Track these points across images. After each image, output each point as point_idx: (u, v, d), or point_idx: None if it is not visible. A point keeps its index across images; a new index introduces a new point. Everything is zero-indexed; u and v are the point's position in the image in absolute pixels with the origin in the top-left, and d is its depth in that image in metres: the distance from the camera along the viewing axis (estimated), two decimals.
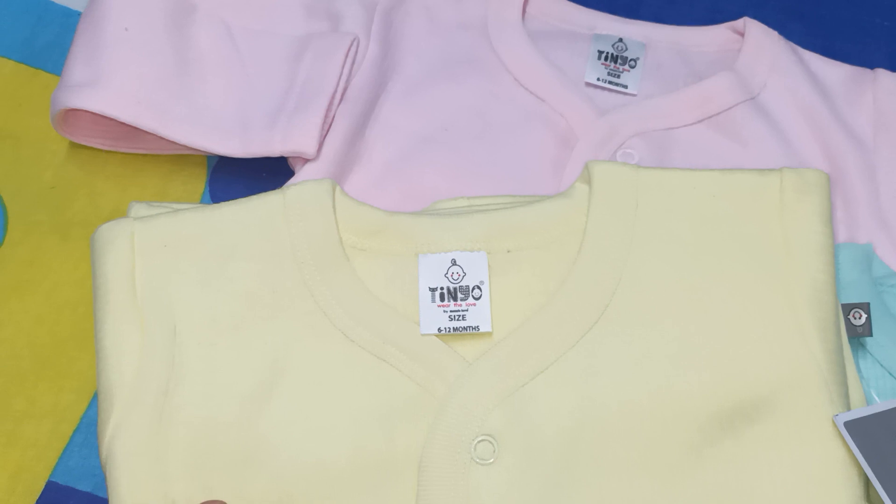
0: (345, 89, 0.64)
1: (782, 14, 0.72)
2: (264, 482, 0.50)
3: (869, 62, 0.69)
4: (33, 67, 0.69)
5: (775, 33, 0.68)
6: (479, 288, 0.53)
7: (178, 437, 0.50)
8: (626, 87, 0.67)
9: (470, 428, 0.51)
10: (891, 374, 0.57)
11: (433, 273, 0.53)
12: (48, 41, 0.69)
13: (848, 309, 0.56)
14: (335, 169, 0.62)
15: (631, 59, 0.68)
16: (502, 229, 0.54)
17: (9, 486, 0.58)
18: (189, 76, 0.63)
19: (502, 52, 0.68)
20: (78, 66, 0.62)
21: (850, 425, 0.50)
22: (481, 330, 0.52)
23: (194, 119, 0.62)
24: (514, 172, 0.64)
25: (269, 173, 0.65)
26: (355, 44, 0.65)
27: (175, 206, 0.56)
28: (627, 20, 0.70)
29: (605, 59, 0.68)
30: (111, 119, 0.62)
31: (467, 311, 0.53)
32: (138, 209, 0.55)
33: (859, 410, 0.51)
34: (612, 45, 0.68)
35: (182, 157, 0.66)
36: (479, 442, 0.51)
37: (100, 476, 0.58)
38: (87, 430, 0.59)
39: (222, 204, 0.55)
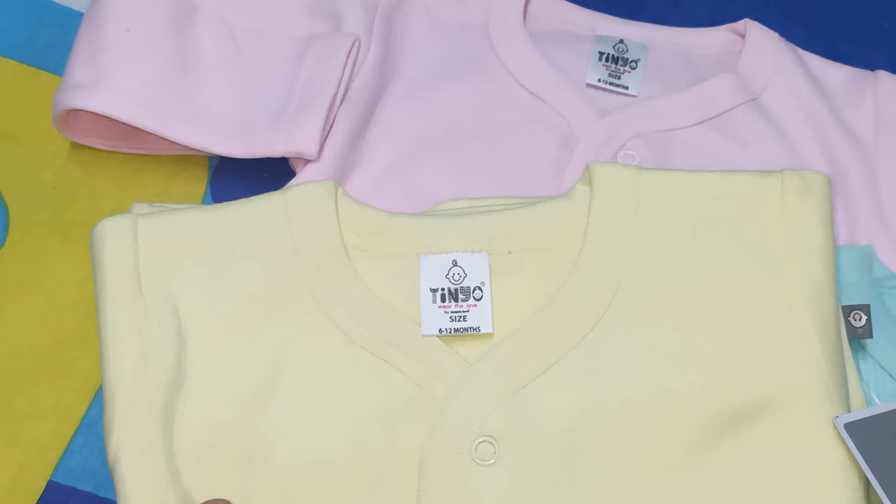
0: (346, 90, 0.64)
1: (784, 16, 0.72)
2: (265, 482, 0.50)
3: (870, 64, 0.69)
4: (35, 68, 0.69)
5: (776, 35, 0.69)
6: (479, 289, 0.53)
7: (182, 437, 0.50)
8: (626, 88, 0.67)
9: (471, 429, 0.51)
10: (891, 375, 0.57)
11: (434, 274, 0.53)
12: (50, 41, 0.69)
13: (848, 310, 0.56)
14: (336, 170, 0.62)
15: (632, 61, 0.68)
16: (503, 230, 0.54)
17: (10, 486, 0.58)
18: (191, 77, 0.63)
19: (503, 53, 0.68)
20: (80, 66, 0.62)
21: (850, 427, 0.50)
22: (482, 331, 0.52)
23: (196, 120, 0.62)
24: (514, 173, 0.64)
25: (270, 174, 0.65)
26: (356, 45, 0.65)
27: (177, 206, 0.56)
28: (628, 21, 0.70)
29: (606, 60, 0.68)
30: (112, 119, 0.62)
31: (468, 311, 0.53)
32: (140, 209, 0.55)
33: (859, 412, 0.51)
34: (613, 47, 0.68)
35: (183, 158, 0.66)
36: (480, 443, 0.51)
37: (101, 476, 0.58)
38: (88, 430, 0.59)
39: (224, 204, 0.55)
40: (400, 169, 0.64)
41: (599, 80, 0.68)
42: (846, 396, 0.52)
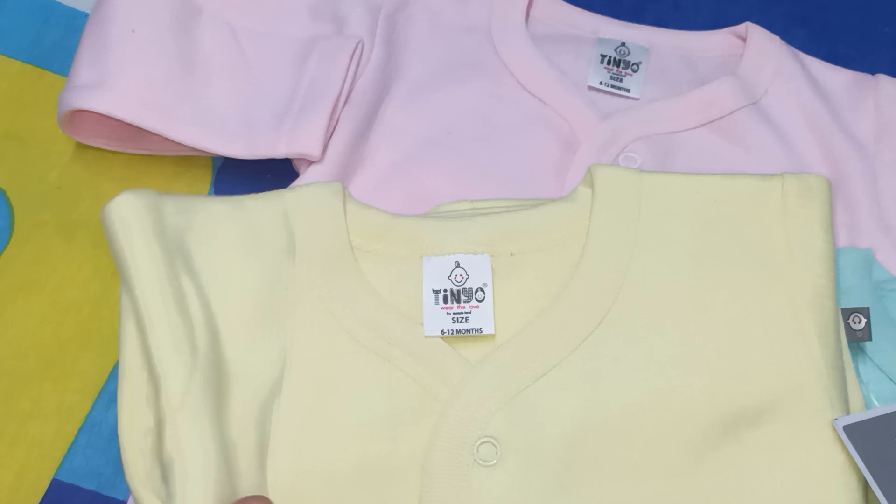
0: (349, 92, 0.64)
1: (786, 20, 0.73)
2: (270, 481, 0.50)
3: (872, 68, 0.69)
4: (40, 68, 0.69)
5: (777, 38, 0.69)
6: (482, 290, 0.53)
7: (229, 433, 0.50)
8: (628, 90, 0.68)
9: (473, 430, 0.51)
10: (890, 378, 0.57)
11: (437, 275, 0.53)
12: (55, 42, 0.70)
13: (848, 313, 0.56)
14: (339, 171, 0.62)
15: (634, 63, 0.68)
16: (506, 232, 0.54)
17: (14, 485, 0.58)
18: (194, 78, 0.63)
19: (506, 56, 0.68)
20: (84, 67, 0.62)
21: (849, 429, 0.50)
22: (484, 332, 0.53)
23: (199, 121, 0.62)
24: (516, 175, 0.64)
25: (273, 175, 0.65)
26: (360, 47, 0.65)
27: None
28: (631, 24, 0.70)
29: (608, 62, 0.68)
30: (117, 120, 0.62)
31: (470, 313, 0.53)
32: None
33: (858, 414, 0.51)
34: (615, 49, 0.68)
35: (187, 159, 0.66)
36: (482, 444, 0.51)
37: (104, 475, 0.58)
38: (91, 430, 0.59)
39: (236, 198, 0.54)
40: (402, 170, 0.64)
41: (601, 83, 0.68)
42: (845, 399, 0.52)
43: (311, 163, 0.62)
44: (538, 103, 0.66)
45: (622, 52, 0.68)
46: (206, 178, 0.67)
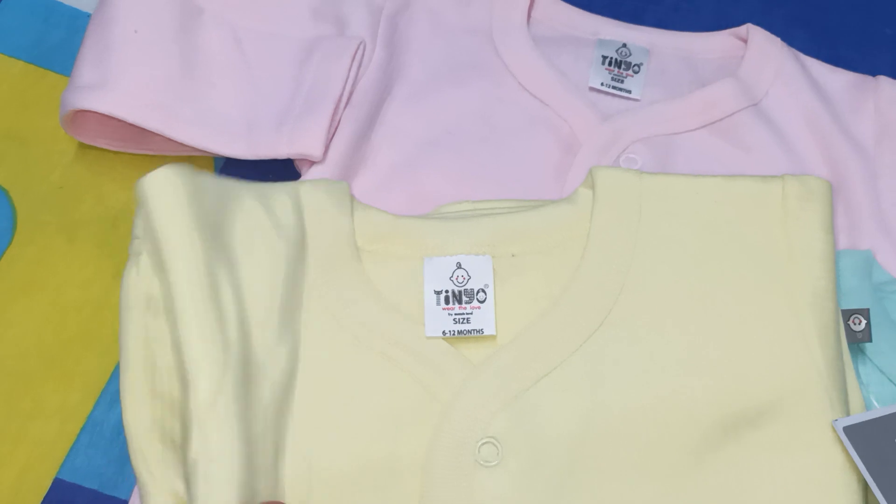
0: (351, 93, 0.64)
1: (787, 22, 0.73)
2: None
3: (873, 70, 0.69)
4: (42, 68, 0.69)
5: (778, 40, 0.69)
6: (483, 291, 0.53)
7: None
8: (629, 92, 0.68)
9: (474, 431, 0.51)
10: (890, 379, 0.58)
11: (438, 276, 0.53)
12: (57, 42, 0.70)
13: (848, 315, 0.56)
14: (340, 171, 0.62)
15: (634, 65, 0.68)
16: (507, 233, 0.54)
17: (16, 484, 0.58)
18: (196, 78, 0.63)
19: (507, 57, 0.68)
20: (87, 67, 0.62)
21: (849, 430, 0.51)
22: (485, 333, 0.53)
23: (201, 121, 0.62)
24: (517, 176, 0.64)
25: (275, 175, 0.65)
26: (361, 47, 0.65)
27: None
28: (632, 26, 0.70)
29: (609, 64, 0.68)
30: (119, 120, 0.62)
31: (472, 314, 0.53)
32: None
33: (859, 416, 0.51)
34: (616, 51, 0.69)
35: (189, 159, 0.66)
36: (483, 444, 0.51)
37: (106, 475, 0.58)
38: (93, 429, 0.59)
39: (258, 185, 0.53)
40: (403, 171, 0.64)
41: (602, 84, 0.68)
42: (846, 400, 0.52)
43: (312, 163, 0.62)
44: (539, 104, 0.67)
45: (623, 54, 0.68)
46: None
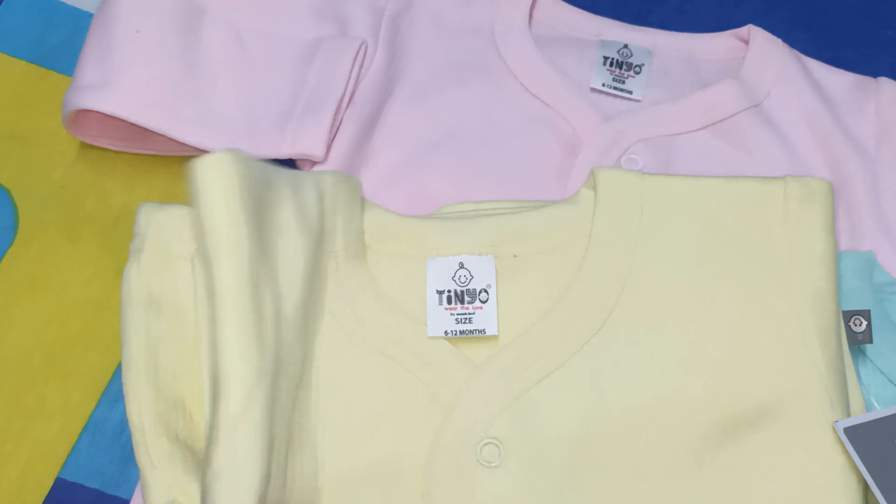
0: (353, 93, 0.64)
1: (789, 24, 0.73)
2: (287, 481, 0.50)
3: (874, 72, 0.69)
4: (44, 68, 0.69)
5: (779, 41, 0.69)
6: (486, 291, 0.53)
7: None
8: (630, 92, 0.68)
9: (476, 431, 0.51)
10: (891, 380, 0.58)
11: (441, 276, 0.54)
12: (59, 42, 0.70)
13: (848, 316, 0.56)
14: (342, 171, 0.62)
15: (636, 66, 0.68)
16: (509, 234, 0.54)
17: (18, 483, 0.58)
18: (198, 78, 0.63)
19: (508, 58, 0.68)
20: (89, 67, 0.62)
21: (849, 431, 0.51)
22: (487, 333, 0.53)
23: (203, 121, 0.62)
24: (519, 177, 0.64)
25: None
26: (363, 48, 0.65)
27: (186, 206, 0.55)
28: (633, 27, 0.70)
29: (611, 64, 0.68)
30: (121, 120, 0.62)
31: (474, 314, 0.53)
32: (148, 209, 0.55)
33: (859, 417, 0.51)
34: (618, 51, 0.69)
35: (191, 159, 0.66)
36: (485, 445, 0.51)
37: (108, 474, 0.59)
38: (96, 429, 0.59)
39: (287, 171, 0.52)
40: (405, 171, 0.64)
41: (604, 85, 0.68)
42: (846, 401, 0.52)
43: (314, 163, 0.62)
44: (541, 105, 0.67)
45: (625, 54, 0.68)
46: None
